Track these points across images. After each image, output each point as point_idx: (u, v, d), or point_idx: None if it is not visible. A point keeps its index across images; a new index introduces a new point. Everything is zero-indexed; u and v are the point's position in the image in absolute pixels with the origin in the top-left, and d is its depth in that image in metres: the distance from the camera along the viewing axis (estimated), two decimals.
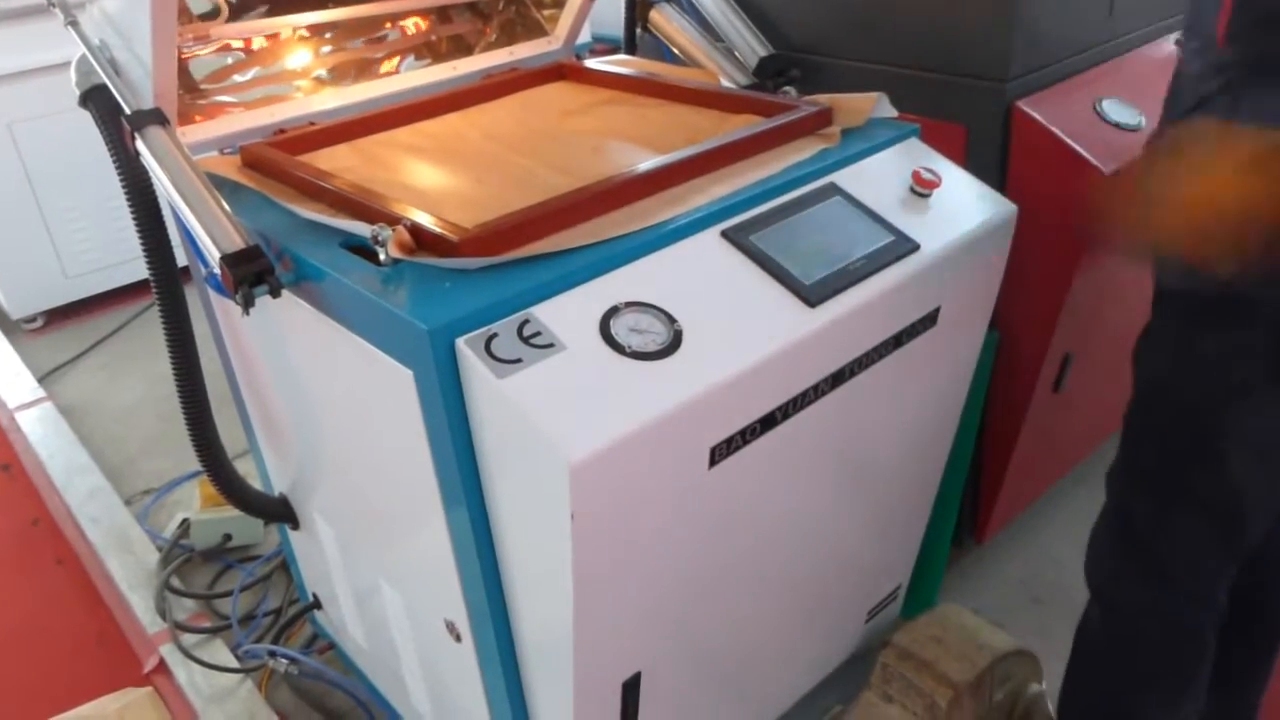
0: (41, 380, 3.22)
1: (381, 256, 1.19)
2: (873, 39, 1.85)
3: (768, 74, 1.92)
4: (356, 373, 1.28)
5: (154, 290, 1.51)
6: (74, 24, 1.48)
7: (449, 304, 1.09)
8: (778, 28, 2.00)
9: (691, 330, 1.13)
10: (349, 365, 1.29)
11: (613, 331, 1.10)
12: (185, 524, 2.43)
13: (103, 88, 1.46)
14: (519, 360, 1.05)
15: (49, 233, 3.45)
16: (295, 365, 1.49)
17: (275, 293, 1.26)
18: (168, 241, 1.50)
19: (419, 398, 1.13)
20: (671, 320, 1.14)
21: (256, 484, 1.86)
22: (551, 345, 1.08)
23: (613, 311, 1.13)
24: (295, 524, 1.82)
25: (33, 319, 3.57)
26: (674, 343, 1.11)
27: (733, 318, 1.17)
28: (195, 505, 2.47)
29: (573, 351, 1.08)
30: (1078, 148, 1.66)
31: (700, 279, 1.21)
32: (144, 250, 1.49)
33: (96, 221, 3.49)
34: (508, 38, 2.05)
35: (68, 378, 3.29)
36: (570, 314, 1.12)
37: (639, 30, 2.19)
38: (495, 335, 1.07)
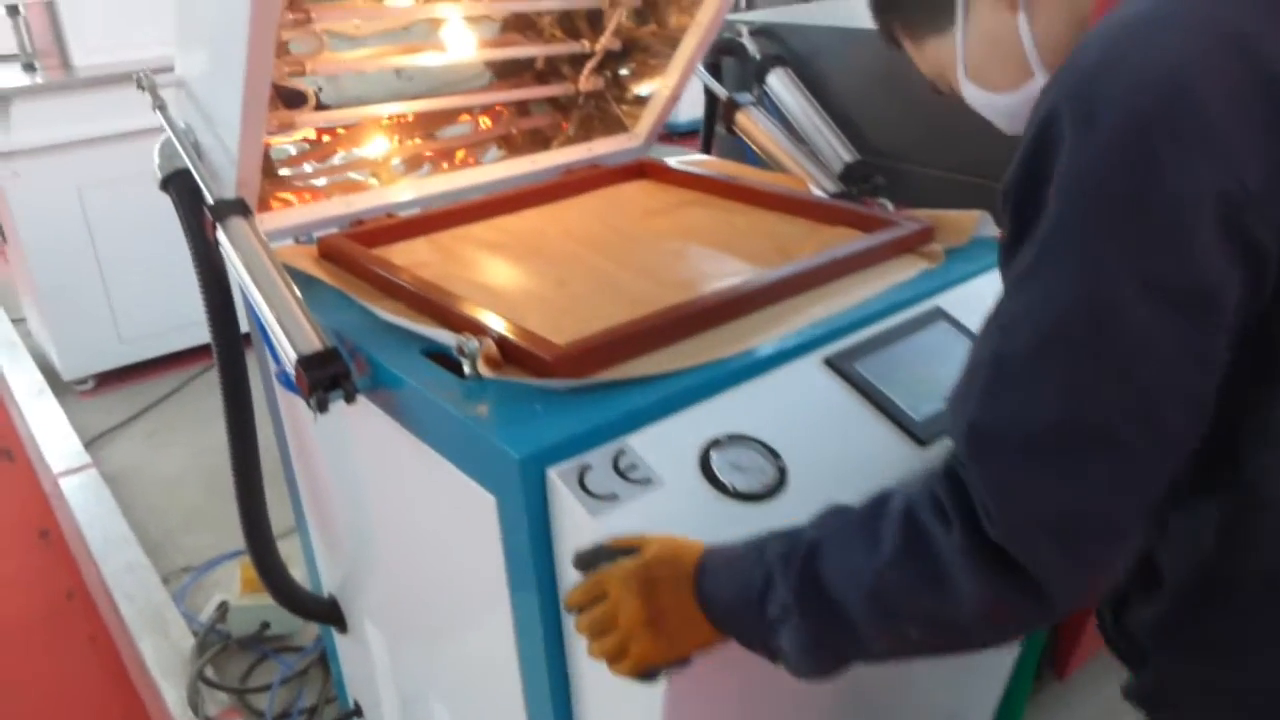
0: (89, 444, 3.19)
1: (466, 369, 1.13)
2: (965, 150, 1.79)
3: (853, 180, 1.86)
4: (430, 487, 1.21)
5: (221, 381, 1.47)
6: (162, 108, 1.46)
7: (540, 429, 1.02)
8: (862, 133, 1.95)
9: (796, 468, 1.05)
10: (422, 478, 1.22)
11: (714, 467, 1.03)
12: (223, 608, 2.35)
13: (185, 172, 1.43)
14: (614, 496, 0.98)
15: (107, 296, 3.46)
16: (361, 467, 1.43)
17: (350, 398, 1.20)
18: (238, 333, 1.46)
19: (500, 524, 1.06)
20: (775, 456, 1.06)
21: (299, 569, 1.79)
22: (649, 480, 1.00)
23: (713, 444, 1.05)
24: (344, 628, 1.74)
25: (84, 381, 3.56)
26: (778, 482, 1.03)
27: (839, 455, 1.09)
28: (235, 588, 2.40)
29: (671, 488, 1.00)
30: None
31: (803, 410, 1.13)
32: (214, 340, 1.45)
33: (154, 286, 3.49)
34: (585, 133, 2.02)
35: (114, 443, 3.26)
36: (668, 445, 1.04)
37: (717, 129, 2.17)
38: (589, 467, 1.00)
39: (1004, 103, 0.96)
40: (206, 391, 3.44)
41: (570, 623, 1.02)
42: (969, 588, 0.75)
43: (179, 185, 1.44)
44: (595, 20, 1.89)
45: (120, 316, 3.51)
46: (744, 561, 0.88)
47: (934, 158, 1.88)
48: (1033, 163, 0.74)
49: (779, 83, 1.94)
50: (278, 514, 1.61)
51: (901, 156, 1.91)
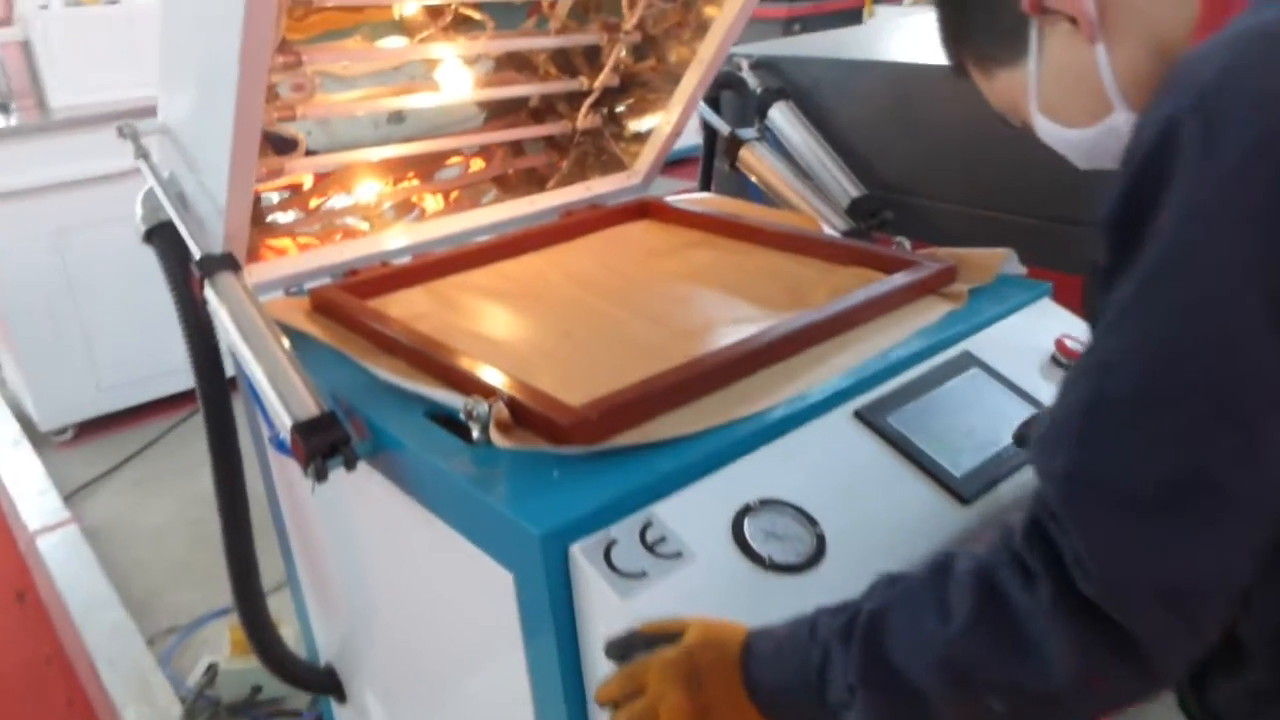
0: (69, 498, 3.08)
1: (475, 435, 1.06)
2: (980, 183, 1.75)
3: (861, 216, 1.81)
4: (438, 558, 1.13)
5: (210, 445, 1.39)
6: (145, 157, 1.39)
7: (560, 500, 0.95)
8: (868, 167, 1.90)
9: (834, 534, 0.98)
10: (430, 548, 1.14)
11: (748, 536, 0.96)
12: (212, 670, 2.25)
13: (169, 224, 1.36)
14: (643, 574, 0.90)
15: (86, 342, 3.36)
16: (362, 531, 1.35)
17: (351, 466, 1.13)
18: (227, 396, 1.38)
19: (518, 603, 0.98)
20: (812, 522, 0.99)
21: (290, 626, 1.70)
22: (679, 554, 0.93)
23: (745, 511, 0.98)
24: (342, 698, 1.65)
25: (63, 431, 3.45)
26: (818, 551, 0.96)
27: (879, 518, 1.02)
28: (225, 649, 2.29)
29: (704, 562, 0.93)
30: None
31: (836, 469, 1.06)
32: (202, 402, 1.37)
33: (135, 333, 3.39)
34: (582, 171, 1.96)
35: (95, 495, 3.15)
36: (697, 513, 0.97)
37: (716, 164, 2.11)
38: (615, 542, 0.92)
39: (1080, 137, 0.90)
40: (191, 438, 3.33)
41: (602, 718, 0.94)
42: (1056, 650, 0.69)
43: (163, 238, 1.36)
44: (592, 56, 1.84)
45: (100, 363, 3.40)
46: (796, 642, 0.81)
47: (941, 191, 1.83)
48: (1142, 184, 0.68)
49: (781, 117, 1.89)
50: (267, 566, 1.51)
51: (908, 190, 1.86)
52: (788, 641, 0.81)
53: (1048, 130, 0.92)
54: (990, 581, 0.72)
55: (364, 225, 1.71)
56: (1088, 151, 0.91)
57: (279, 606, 1.57)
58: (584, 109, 1.85)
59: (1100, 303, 0.72)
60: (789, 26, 4.98)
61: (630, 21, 1.75)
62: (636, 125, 1.91)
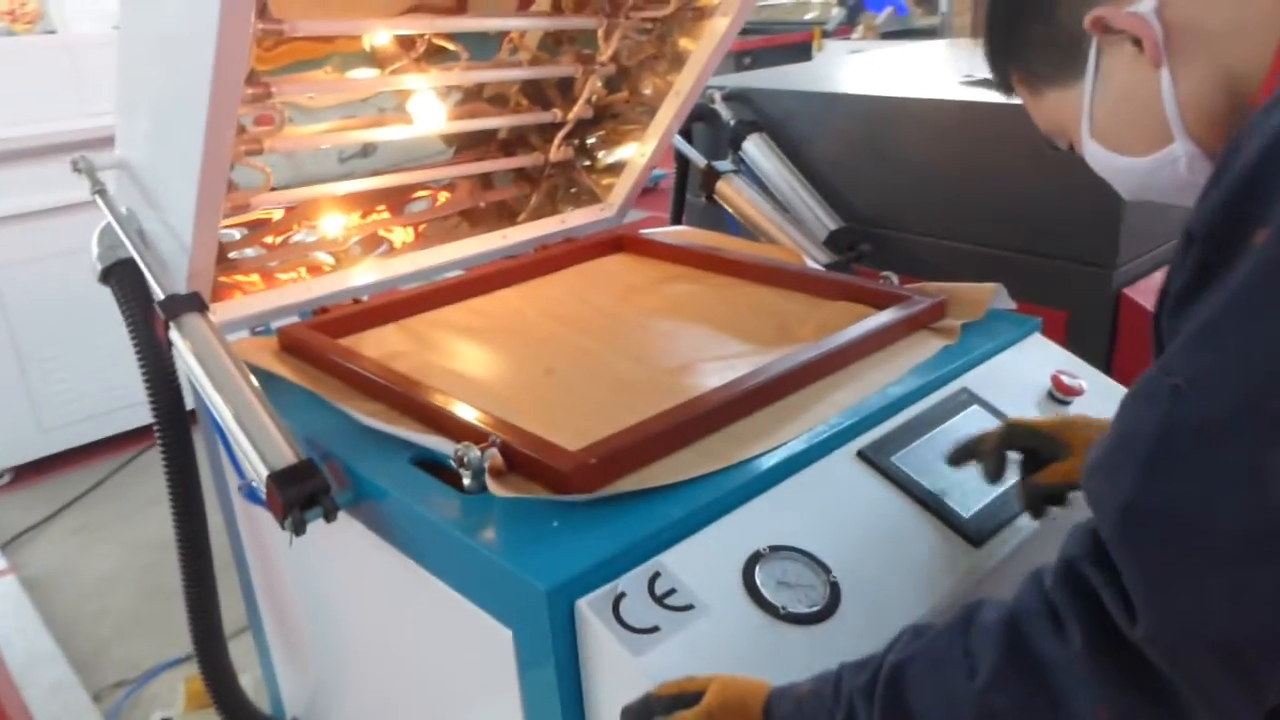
0: (6, 546, 2.93)
1: (467, 482, 1.00)
2: (959, 216, 1.74)
3: (839, 248, 1.80)
4: (425, 614, 1.07)
5: (170, 493, 1.31)
6: (101, 193, 1.32)
7: (562, 553, 0.90)
8: (843, 199, 1.89)
9: (848, 581, 0.95)
10: (415, 602, 1.08)
11: (759, 586, 0.91)
12: None
13: (128, 262, 1.29)
14: (655, 629, 0.86)
15: (25, 382, 3.22)
16: (337, 582, 1.28)
17: (331, 517, 1.07)
18: (190, 438, 1.31)
19: (518, 662, 0.93)
20: (824, 569, 0.95)
21: (252, 672, 1.60)
22: (691, 606, 0.88)
23: (755, 558, 0.94)
24: None
25: (0, 475, 3.30)
26: (833, 599, 0.92)
27: (890, 562, 0.99)
28: (178, 703, 2.18)
29: (717, 614, 0.88)
30: None
31: (844, 512, 1.03)
32: (162, 445, 1.30)
33: (78, 372, 3.26)
34: (553, 204, 1.92)
35: (36, 543, 3.00)
36: (706, 562, 0.93)
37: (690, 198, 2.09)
38: (624, 595, 0.88)
39: (1132, 166, 0.84)
40: (137, 480, 3.21)
41: None
42: (1086, 700, 0.65)
43: (121, 277, 1.30)
44: (565, 87, 1.81)
45: (39, 403, 3.26)
46: (820, 701, 0.76)
47: (916, 224, 1.83)
48: (1242, 197, 0.63)
49: (756, 149, 1.88)
50: (226, 608, 1.43)
51: (882, 222, 1.85)
52: (810, 700, 0.77)
53: (1098, 157, 0.87)
54: (1016, 631, 0.69)
55: (330, 261, 1.65)
56: (1139, 182, 0.86)
57: (239, 653, 1.48)
58: (557, 141, 1.82)
59: (1173, 322, 0.67)
60: (740, 60, 5.01)
61: (605, 53, 1.72)
62: (609, 157, 1.88)
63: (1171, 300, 0.68)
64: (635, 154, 1.81)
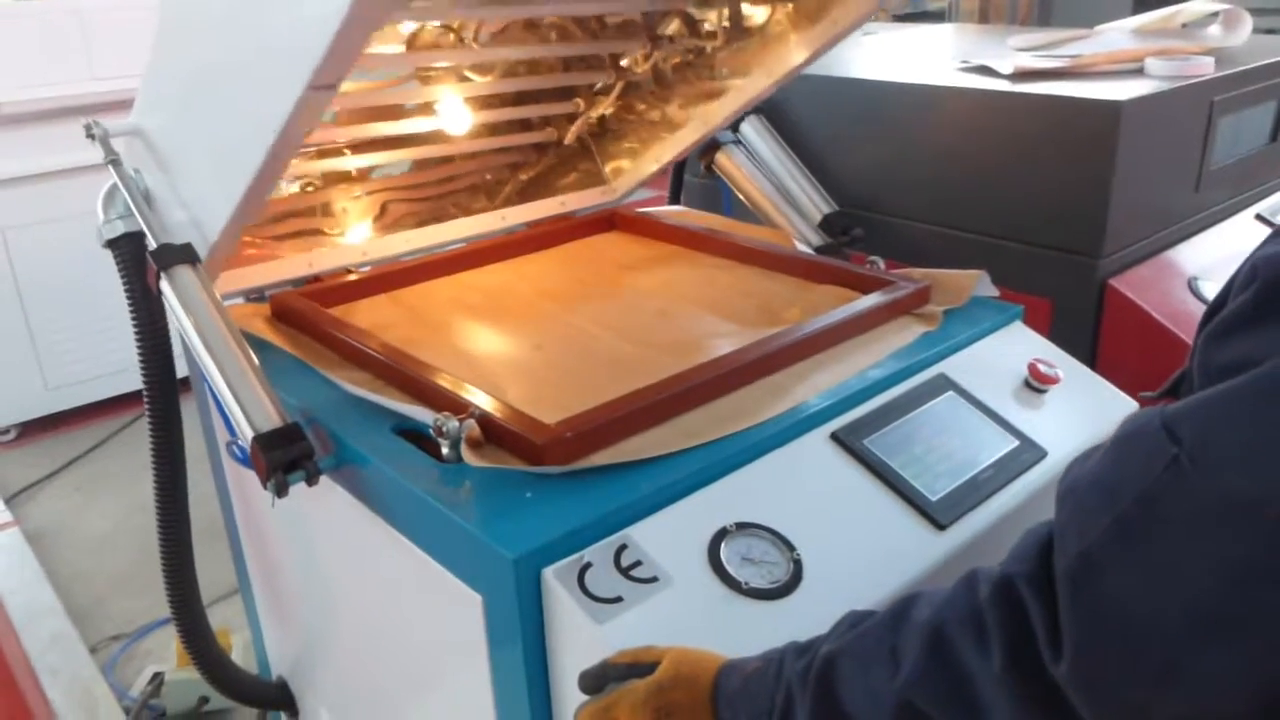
0: (10, 500, 2.98)
1: (445, 452, 1.03)
2: (949, 204, 1.75)
3: (832, 232, 1.81)
4: (403, 578, 1.10)
5: (153, 457, 1.33)
6: (115, 162, 1.32)
7: (532, 522, 0.93)
8: (838, 183, 1.90)
9: (811, 559, 0.97)
10: (393, 567, 1.11)
11: (724, 561, 0.94)
12: (158, 680, 2.18)
13: (135, 233, 1.29)
14: (619, 599, 0.88)
15: (33, 341, 3.26)
16: (321, 545, 1.31)
17: (313, 481, 1.09)
18: (177, 403, 1.32)
19: (487, 626, 0.95)
20: (789, 547, 0.97)
21: (243, 633, 1.62)
22: (655, 579, 0.91)
23: (722, 534, 0.96)
24: (294, 713, 1.60)
25: (6, 431, 3.34)
26: (794, 576, 0.95)
27: (855, 542, 1.01)
28: (171, 658, 2.23)
29: (680, 587, 0.91)
30: (1178, 332, 1.54)
31: (813, 493, 1.05)
32: (149, 408, 1.31)
33: (85, 333, 3.31)
34: (554, 182, 1.92)
35: (38, 498, 3.05)
36: (673, 536, 0.95)
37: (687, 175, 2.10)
38: (589, 565, 0.90)
39: None
40: (139, 441, 3.22)
41: None
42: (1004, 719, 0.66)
43: (123, 245, 1.30)
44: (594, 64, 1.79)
45: (46, 363, 3.31)
46: (763, 681, 0.79)
47: (909, 209, 1.84)
48: None
49: (753, 130, 1.89)
50: (219, 571, 1.44)
51: (876, 207, 1.86)
52: (754, 680, 0.79)
53: None
54: (941, 634, 0.69)
55: (333, 233, 1.66)
56: None
57: (231, 613, 1.51)
58: (574, 128, 1.81)
59: (1209, 345, 0.64)
60: None
61: (643, 66, 1.71)
62: (621, 150, 1.86)
63: (1218, 324, 0.65)
64: (649, 158, 1.79)
